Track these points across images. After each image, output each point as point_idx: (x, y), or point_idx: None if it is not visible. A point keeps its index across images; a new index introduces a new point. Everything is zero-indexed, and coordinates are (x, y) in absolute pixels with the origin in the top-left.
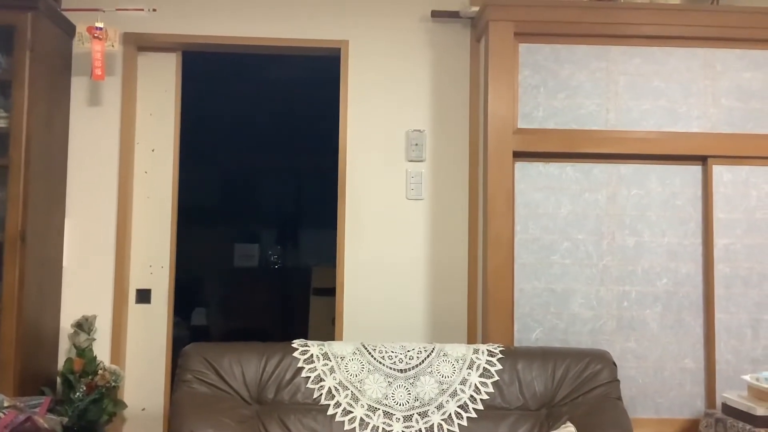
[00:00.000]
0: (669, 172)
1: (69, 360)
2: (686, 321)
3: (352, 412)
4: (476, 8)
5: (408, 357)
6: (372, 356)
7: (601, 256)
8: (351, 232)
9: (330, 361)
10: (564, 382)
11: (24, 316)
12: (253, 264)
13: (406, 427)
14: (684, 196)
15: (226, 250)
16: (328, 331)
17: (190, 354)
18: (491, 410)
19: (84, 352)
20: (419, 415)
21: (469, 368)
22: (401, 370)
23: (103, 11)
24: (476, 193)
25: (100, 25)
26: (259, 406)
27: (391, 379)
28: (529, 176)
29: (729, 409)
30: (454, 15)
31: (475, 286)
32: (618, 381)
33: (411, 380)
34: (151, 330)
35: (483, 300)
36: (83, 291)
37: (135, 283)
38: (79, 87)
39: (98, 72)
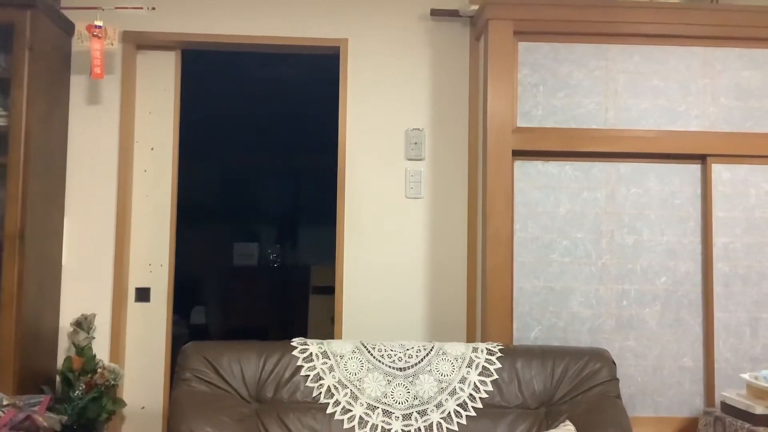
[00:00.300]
0: (668, 171)
1: (68, 358)
2: (685, 319)
3: (351, 411)
4: (475, 7)
5: (407, 355)
6: (371, 355)
7: (600, 254)
8: (350, 231)
9: (329, 359)
10: (563, 380)
11: (23, 314)
12: (252, 263)
13: (405, 426)
14: (683, 195)
15: (226, 248)
16: (328, 329)
17: (189, 352)
18: (490, 409)
19: (83, 351)
20: (418, 413)
21: (469, 367)
22: (400, 368)
23: (103, 9)
24: (475, 192)
25: (99, 23)
26: (258, 404)
27: (390, 378)
28: (529, 175)
29: (728, 408)
30: (453, 14)
31: (475, 284)
32: (617, 379)
33: (410, 379)
34: (150, 328)
35: (482, 298)
36: (82, 289)
37: (134, 282)
38: (78, 85)
39: (97, 70)
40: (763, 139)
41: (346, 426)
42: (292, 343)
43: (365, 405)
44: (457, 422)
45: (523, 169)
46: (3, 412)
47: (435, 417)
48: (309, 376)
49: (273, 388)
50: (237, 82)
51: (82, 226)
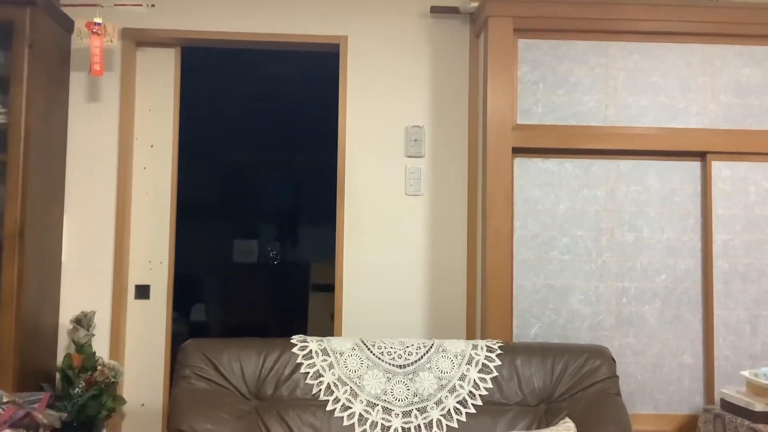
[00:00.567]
0: (668, 168)
1: (68, 356)
2: (685, 317)
3: (351, 408)
4: (475, 4)
5: (407, 353)
6: (371, 352)
7: (600, 252)
8: (350, 228)
9: (329, 356)
10: (563, 377)
11: (23, 312)
12: (252, 260)
13: (405, 423)
14: (683, 192)
15: (225, 245)
16: (327, 326)
17: (189, 350)
18: (490, 406)
19: (83, 348)
20: (418, 410)
21: (468, 364)
22: (400, 365)
23: (102, 6)
24: (475, 189)
25: (98, 20)
26: (258, 401)
27: (390, 375)
28: (528, 172)
29: (727, 405)
30: (453, 11)
31: (474, 281)
32: (617, 377)
33: (410, 376)
34: (150, 326)
35: (482, 296)
36: (82, 287)
37: (134, 279)
38: (77, 83)
39: (97, 68)
40: (763, 137)
41: (345, 423)
42: (291, 341)
43: (365, 402)
44: (457, 419)
45: (523, 166)
46: (3, 409)
47: (435, 414)
48: (309, 373)
49: (273, 385)
50: (237, 79)
51: (82, 223)
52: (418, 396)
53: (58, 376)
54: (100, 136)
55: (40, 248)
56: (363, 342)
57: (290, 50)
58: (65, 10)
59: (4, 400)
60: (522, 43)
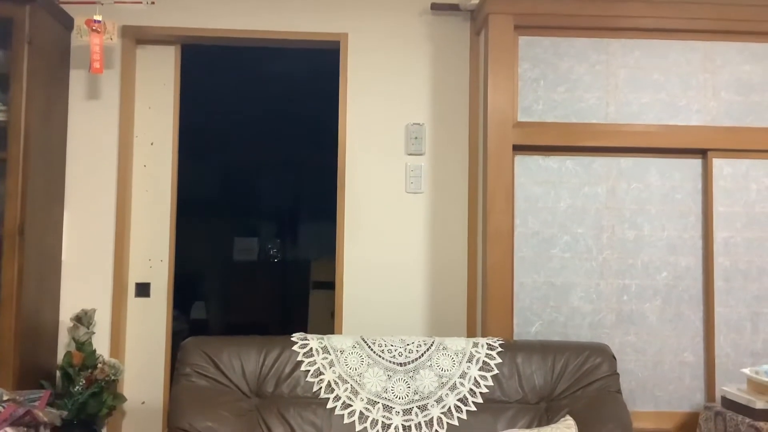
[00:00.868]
0: (669, 166)
1: (68, 353)
2: (686, 314)
3: (351, 406)
4: (476, 1)
5: (407, 350)
6: (371, 350)
7: (600, 249)
8: (350, 226)
9: (329, 354)
10: (563, 375)
11: (23, 309)
12: (252, 258)
13: (406, 421)
14: (684, 190)
15: (226, 243)
16: (328, 324)
17: (189, 348)
18: (491, 403)
19: (83, 346)
20: (419, 408)
21: (469, 362)
22: (401, 363)
23: (102, 4)
24: (476, 187)
25: (98, 18)
26: (259, 399)
27: (390, 373)
28: (529, 170)
29: (728, 403)
30: (453, 8)
31: (475, 279)
32: (617, 374)
33: (410, 374)
34: (150, 324)
35: (482, 293)
36: (82, 285)
37: (134, 277)
38: (77, 80)
39: (97, 65)
40: (763, 134)
41: (346, 421)
42: (292, 338)
43: (365, 400)
44: (458, 417)
45: (523, 164)
46: (3, 407)
47: (435, 412)
48: (309, 371)
49: (273, 383)
50: (237, 76)
51: (82, 221)
52: (419, 394)
53: (58, 374)
54: (100, 134)
55: (40, 246)
56: (363, 340)
57: (290, 48)
58: (65, 7)
59: (5, 398)
60: (522, 40)
